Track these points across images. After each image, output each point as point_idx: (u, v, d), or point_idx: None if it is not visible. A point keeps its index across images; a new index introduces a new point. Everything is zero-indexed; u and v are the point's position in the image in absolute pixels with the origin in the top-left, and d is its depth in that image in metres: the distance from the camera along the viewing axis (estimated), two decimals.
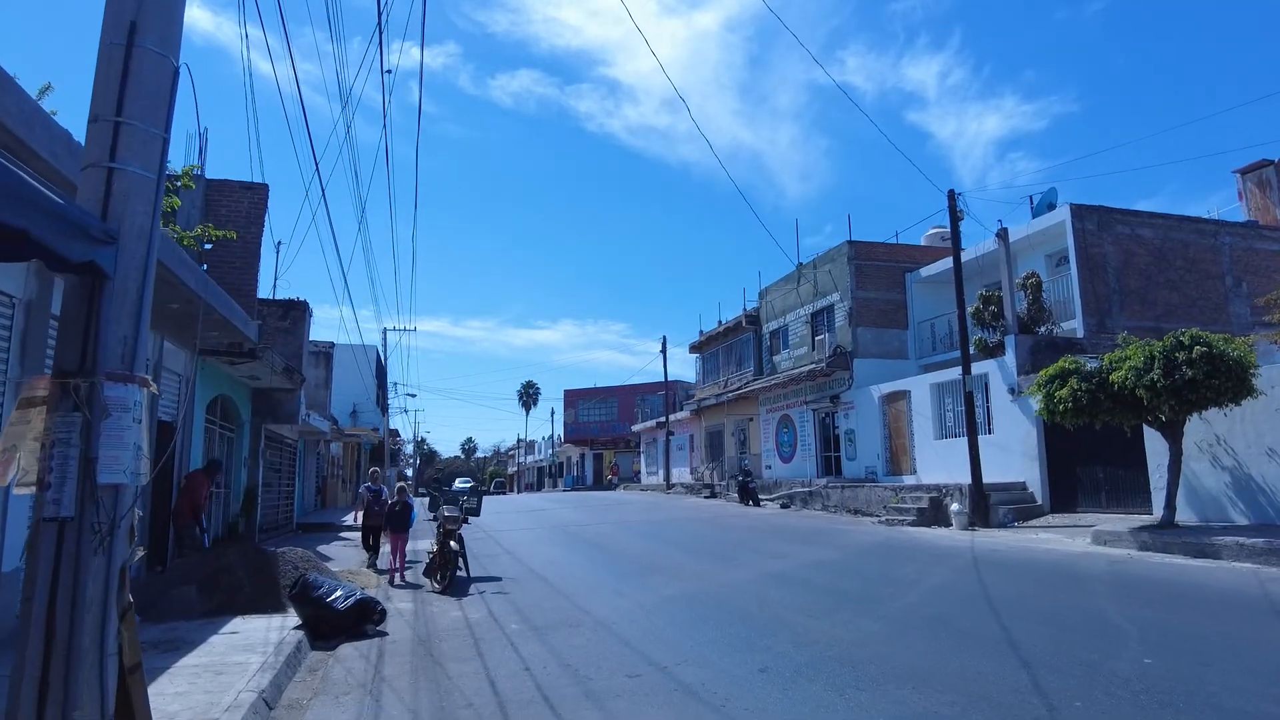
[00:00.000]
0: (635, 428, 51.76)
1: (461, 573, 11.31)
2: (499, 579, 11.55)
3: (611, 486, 60.22)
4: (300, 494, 26.27)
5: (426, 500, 11.68)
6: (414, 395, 72.60)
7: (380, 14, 7.71)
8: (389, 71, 10.28)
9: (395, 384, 55.22)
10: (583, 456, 70.02)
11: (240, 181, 13.94)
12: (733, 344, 35.31)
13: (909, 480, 22.14)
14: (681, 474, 40.48)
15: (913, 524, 18.25)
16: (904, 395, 23.16)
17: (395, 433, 63.39)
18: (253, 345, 13.20)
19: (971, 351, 22.40)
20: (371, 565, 13.42)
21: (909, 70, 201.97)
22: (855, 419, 25.32)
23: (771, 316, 31.55)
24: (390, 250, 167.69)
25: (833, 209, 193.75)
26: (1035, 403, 15.29)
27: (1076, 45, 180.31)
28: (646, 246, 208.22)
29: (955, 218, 18.92)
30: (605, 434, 65.81)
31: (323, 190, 18.69)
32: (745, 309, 34.01)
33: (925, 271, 26.18)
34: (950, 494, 18.51)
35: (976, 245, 23.93)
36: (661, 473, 44.89)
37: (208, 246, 12.69)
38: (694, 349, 39.72)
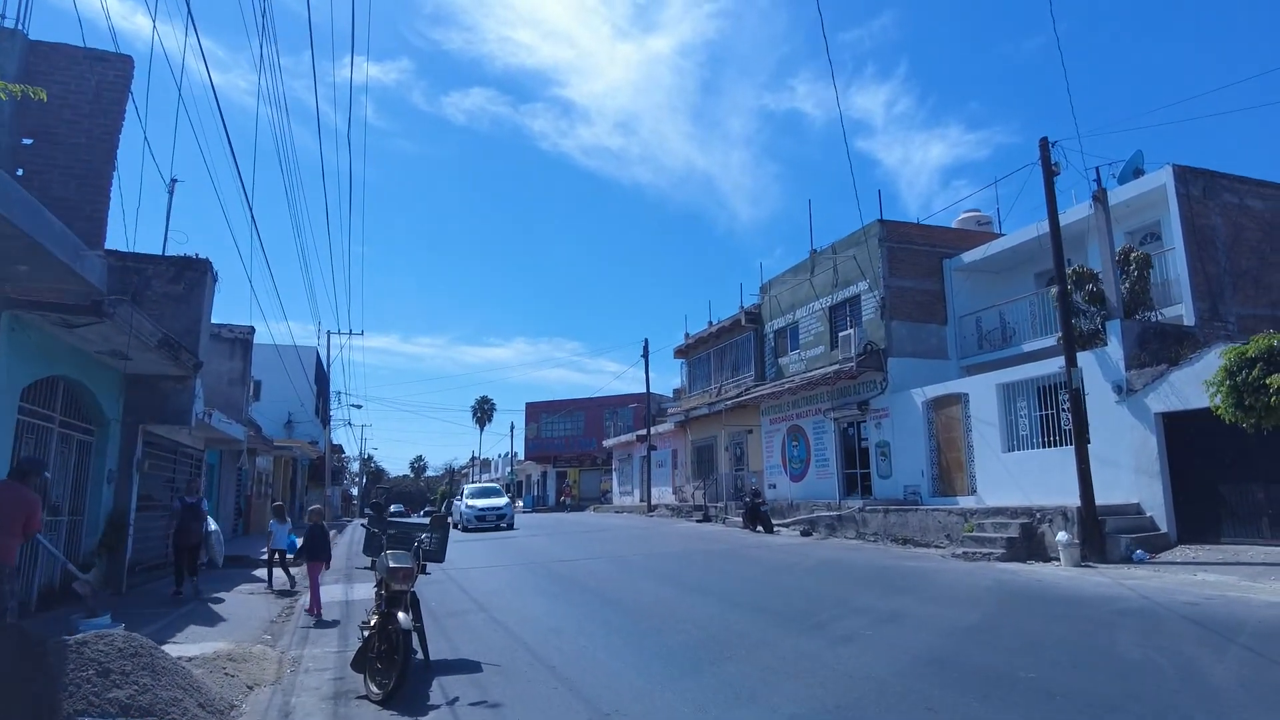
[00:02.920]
0: (607, 443, 47.25)
1: (417, 654, 6.83)
2: (476, 666, 7.07)
3: (565, 508, 55.52)
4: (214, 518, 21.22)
5: (364, 536, 6.92)
6: (359, 406, 66.97)
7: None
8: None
9: (339, 393, 50.00)
10: (544, 474, 65.20)
11: (89, 49, 9.30)
12: (727, 346, 31.16)
13: (965, 502, 18.12)
14: (662, 494, 36.10)
15: (1002, 558, 14.17)
16: (958, 400, 19.19)
17: (339, 448, 57.87)
18: (98, 297, 8.58)
19: (1050, 342, 18.58)
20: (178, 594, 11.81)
21: (857, 98, 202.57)
22: (891, 429, 21.28)
23: (777, 313, 27.49)
24: (340, 260, 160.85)
25: (783, 232, 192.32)
26: (1214, 398, 11.36)
27: (1018, 78, 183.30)
28: (600, 265, 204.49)
29: (1049, 171, 15.04)
30: (571, 450, 61.14)
31: (235, 162, 14.10)
32: (743, 306, 29.93)
33: (968, 257, 22.37)
34: (1047, 519, 14.48)
35: (1034, 224, 20.23)
36: (638, 492, 40.44)
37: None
38: (680, 353, 35.51)
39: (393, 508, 73.37)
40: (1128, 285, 15.80)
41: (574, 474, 61.77)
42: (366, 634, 6.54)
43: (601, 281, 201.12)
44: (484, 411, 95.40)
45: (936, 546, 16.59)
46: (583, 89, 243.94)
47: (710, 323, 32.60)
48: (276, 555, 13.34)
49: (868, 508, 19.42)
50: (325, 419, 45.19)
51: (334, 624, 9.85)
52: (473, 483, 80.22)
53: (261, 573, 15.93)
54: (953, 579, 12.19)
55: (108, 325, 8.94)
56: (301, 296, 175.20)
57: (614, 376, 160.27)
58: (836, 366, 22.35)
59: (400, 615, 6.18)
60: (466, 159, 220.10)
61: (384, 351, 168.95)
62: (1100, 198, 15.84)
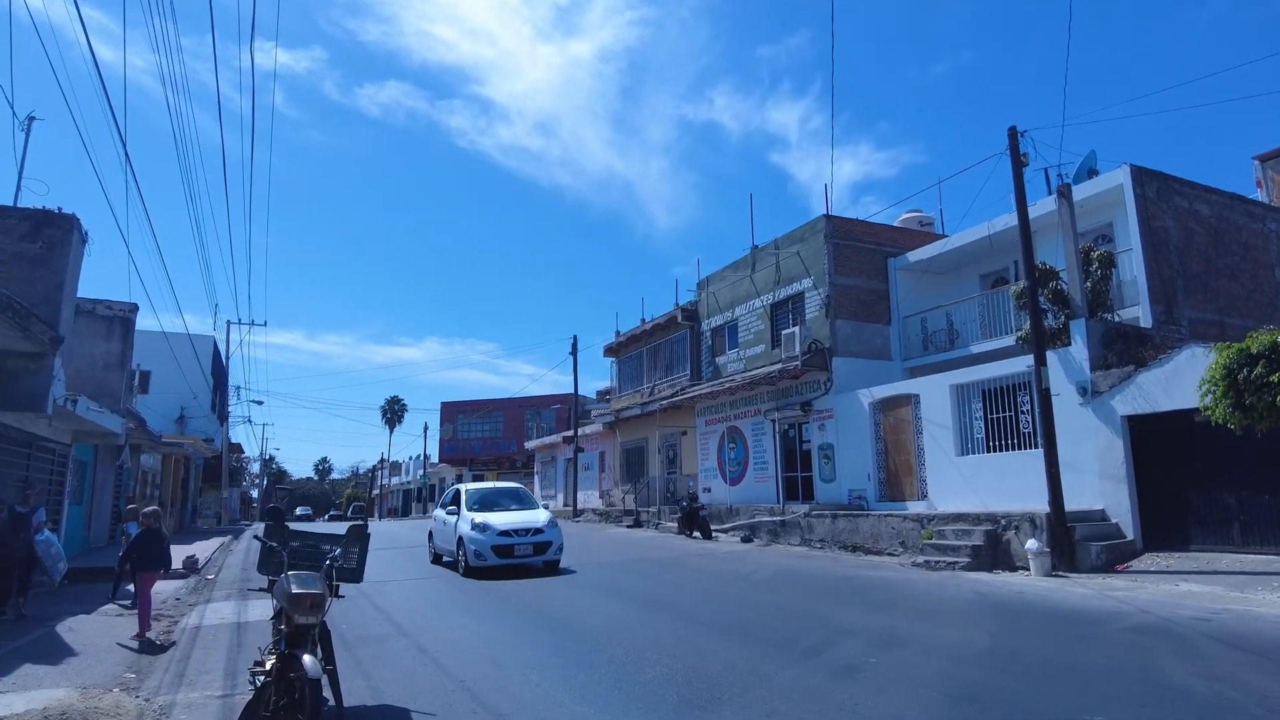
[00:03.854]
0: (529, 444, 45.41)
1: (328, 702, 5.19)
2: (405, 716, 5.50)
3: None
4: (83, 524, 18.59)
5: (259, 551, 5.13)
6: (260, 403, 62.83)
7: None
8: None
9: (239, 388, 46.57)
10: (459, 478, 62.60)
11: None
12: (661, 345, 29.94)
13: (915, 508, 17.34)
14: (588, 498, 34.58)
15: (967, 567, 13.31)
16: (909, 401, 18.42)
17: (238, 447, 54.09)
18: None
19: (999, 344, 18.00)
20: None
21: (773, 113, 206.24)
22: (835, 431, 20.40)
23: (715, 310, 26.41)
24: (241, 249, 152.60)
25: (701, 241, 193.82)
26: (1205, 397, 10.68)
27: (924, 101, 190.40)
28: (518, 267, 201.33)
29: (1018, 161, 14.33)
30: (489, 452, 58.84)
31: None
32: (678, 303, 28.76)
33: (914, 256, 21.76)
34: (1013, 526, 13.71)
35: (983, 223, 19.74)
36: (562, 496, 38.81)
37: None
38: (610, 352, 34.09)
39: (298, 510, 68.78)
40: (1090, 285, 15.25)
41: (492, 476, 59.40)
42: (261, 680, 4.88)
43: (519, 283, 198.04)
44: (394, 412, 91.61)
45: (890, 554, 15.68)
46: (502, 88, 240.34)
47: (643, 320, 31.36)
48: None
49: (814, 513, 18.43)
50: (223, 415, 41.86)
51: (168, 649, 8.02)
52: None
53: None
54: (926, 591, 11.17)
55: None
56: (197, 285, 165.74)
57: (530, 379, 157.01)
58: (779, 366, 21.37)
59: (306, 659, 4.57)
60: (380, 153, 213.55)
61: (288, 348, 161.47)
62: (1065, 193, 15.26)
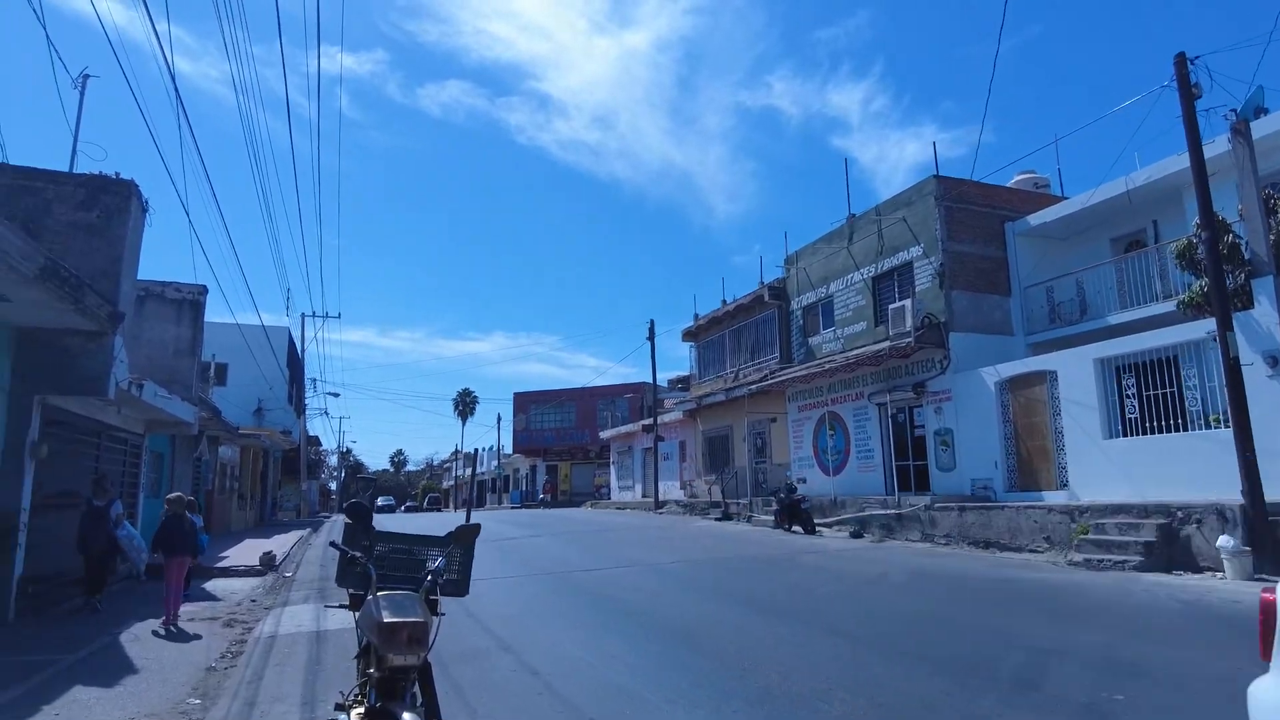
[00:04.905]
0: (604, 434, 44.19)
1: None
2: None
3: (545, 504, 52.48)
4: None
5: (338, 560, 3.65)
6: (337, 395, 62.97)
7: None
8: None
9: (314, 380, 46.72)
10: (534, 468, 62.01)
11: None
12: (744, 326, 28.22)
13: (1054, 498, 15.33)
14: (669, 489, 33.13)
15: (1139, 567, 11.36)
16: (1042, 379, 16.38)
17: (315, 440, 54.48)
18: None
19: (1142, 314, 15.85)
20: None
21: (833, 96, 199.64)
22: (953, 414, 18.43)
23: (805, 287, 24.58)
24: (313, 249, 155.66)
25: (761, 230, 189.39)
26: None
27: (989, 78, 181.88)
28: (578, 259, 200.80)
29: (1188, 93, 12.23)
30: (561, 442, 58.01)
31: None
32: (764, 281, 27.01)
33: (1035, 219, 19.56)
34: (1193, 519, 11.69)
35: (1120, 178, 17.49)
36: (640, 488, 37.52)
37: None
38: (689, 335, 32.53)
39: (379, 501, 68.76)
40: (1274, 237, 13.01)
41: (565, 468, 58.67)
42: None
43: (580, 276, 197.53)
44: (466, 404, 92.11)
45: (1033, 551, 13.78)
46: (559, 83, 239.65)
47: (724, 301, 29.69)
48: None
49: (936, 505, 16.57)
50: (300, 408, 41.86)
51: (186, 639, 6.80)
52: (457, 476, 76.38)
53: (214, 586, 12.87)
54: (1110, 597, 9.35)
55: None
56: (267, 285, 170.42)
57: (595, 372, 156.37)
58: (886, 344, 19.47)
59: (406, 718, 3.19)
60: (442, 152, 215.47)
61: (361, 345, 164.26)
62: (1242, 131, 13.02)
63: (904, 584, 11.03)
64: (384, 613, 3.43)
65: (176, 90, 9.44)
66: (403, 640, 3.39)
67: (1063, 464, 15.75)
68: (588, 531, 21.89)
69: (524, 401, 60.79)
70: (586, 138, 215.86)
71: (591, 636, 7.92)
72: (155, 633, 8.85)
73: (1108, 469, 14.65)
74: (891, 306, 19.85)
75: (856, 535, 17.96)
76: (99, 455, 12.36)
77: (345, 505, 4.19)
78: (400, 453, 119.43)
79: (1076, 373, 15.52)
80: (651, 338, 35.23)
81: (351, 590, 4.31)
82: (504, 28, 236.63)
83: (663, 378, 45.73)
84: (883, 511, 18.00)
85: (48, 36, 9.01)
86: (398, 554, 4.44)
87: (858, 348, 21.30)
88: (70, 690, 6.26)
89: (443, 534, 4.67)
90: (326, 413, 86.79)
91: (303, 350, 42.04)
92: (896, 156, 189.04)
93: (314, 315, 44.08)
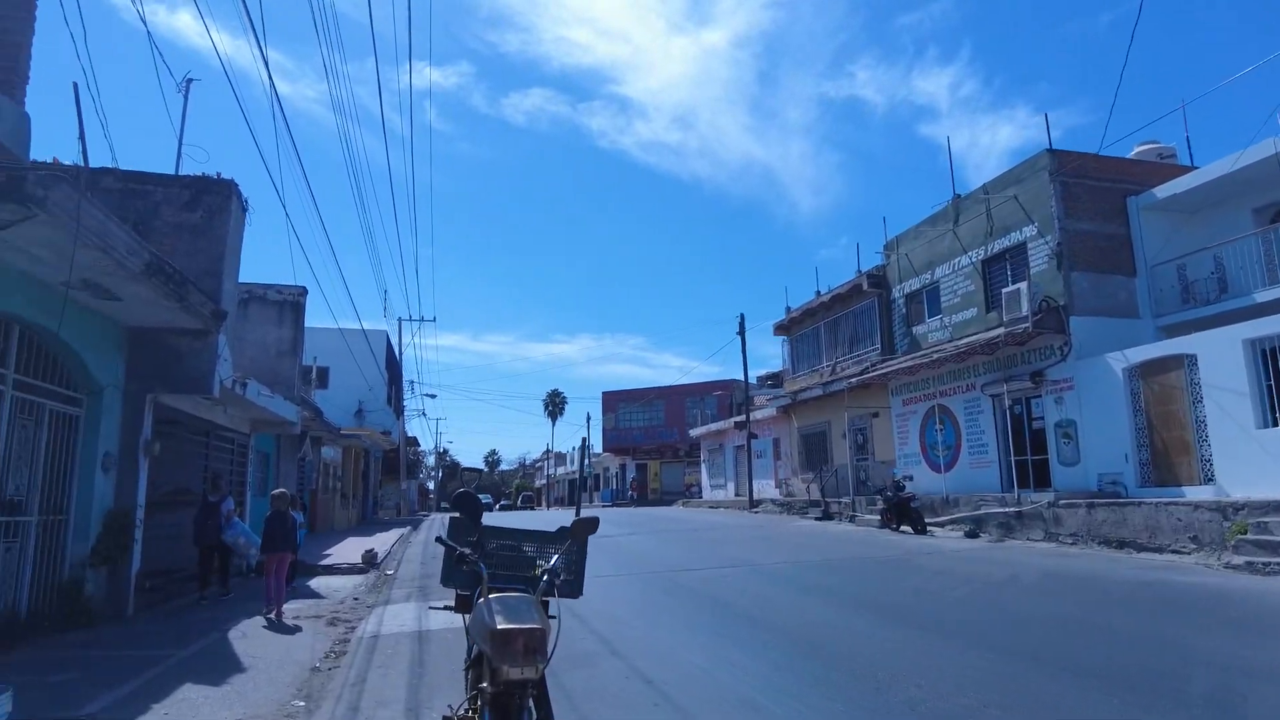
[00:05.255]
0: (694, 432, 43.64)
1: None
2: None
3: (635, 501, 52.12)
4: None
5: (444, 556, 3.21)
6: (434, 395, 64.41)
7: None
8: None
9: (412, 383, 47.81)
10: (623, 467, 61.97)
11: None
12: (841, 318, 27.18)
13: (1197, 494, 13.95)
14: (764, 488, 32.32)
15: None
16: (1179, 363, 14.97)
17: (414, 441, 55.85)
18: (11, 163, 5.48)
19: None
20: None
21: (919, 83, 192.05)
22: (1076, 404, 17.11)
23: (908, 274, 23.43)
24: (408, 257, 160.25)
25: (847, 223, 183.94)
26: None
27: (1088, 57, 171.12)
28: (661, 259, 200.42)
29: None
30: (650, 441, 57.74)
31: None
32: (861, 269, 25.93)
33: (1163, 191, 17.98)
34: None
35: (1265, 141, 15.86)
36: (732, 486, 36.81)
37: None
38: (781, 329, 31.63)
39: (482, 498, 69.93)
40: None
41: (654, 466, 58.40)
42: None
43: (663, 276, 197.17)
44: (555, 404, 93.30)
45: (1177, 551, 12.53)
46: (639, 85, 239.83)
47: (818, 292, 28.66)
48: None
49: (1061, 502, 15.37)
50: (398, 408, 42.88)
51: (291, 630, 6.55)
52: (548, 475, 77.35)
53: (318, 584, 12.97)
54: None
55: (45, 222, 5.78)
56: (364, 293, 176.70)
57: (679, 372, 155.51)
58: (1000, 330, 18.26)
59: None
60: (528, 159, 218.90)
61: (454, 349, 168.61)
62: None
63: (1040, 587, 10.10)
64: (497, 618, 3.01)
65: (277, 97, 9.43)
66: (518, 650, 2.96)
67: (1206, 456, 14.33)
68: (684, 530, 21.40)
69: (612, 400, 60.83)
70: (667, 138, 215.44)
71: (705, 641, 7.41)
72: (263, 627, 8.87)
73: (1264, 462, 13.21)
74: (1005, 290, 18.61)
75: (972, 535, 16.88)
76: (208, 454, 12.63)
77: (454, 495, 3.78)
78: (494, 452, 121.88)
79: (1222, 356, 14.08)
80: (742, 331, 34.49)
81: (458, 590, 3.93)
82: (583, 33, 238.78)
83: (751, 375, 44.81)
84: (1000, 509, 16.86)
85: (153, 44, 9.12)
86: (506, 550, 4.04)
87: (968, 336, 20.10)
88: (180, 688, 6.16)
89: (552, 530, 4.26)
90: (424, 414, 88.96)
91: (400, 353, 43.06)
92: (989, 141, 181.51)
93: (410, 319, 45.13)
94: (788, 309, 31.09)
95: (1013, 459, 18.63)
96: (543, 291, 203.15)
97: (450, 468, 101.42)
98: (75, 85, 11.04)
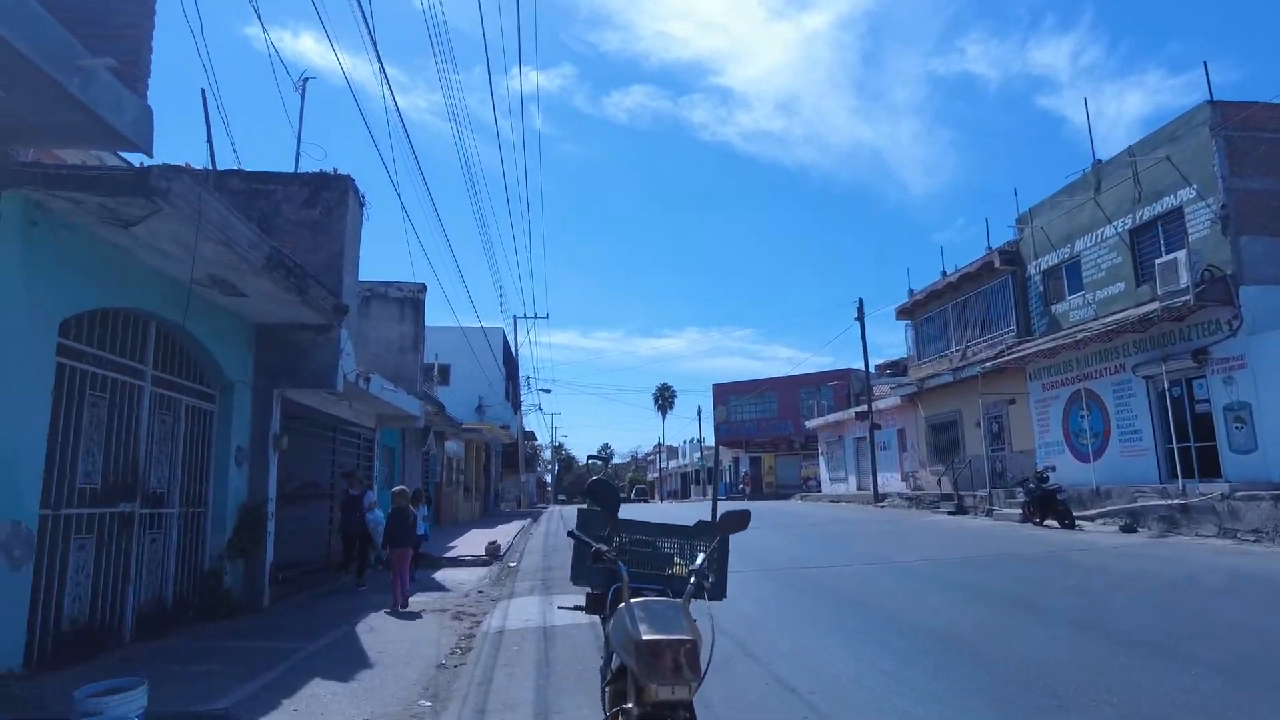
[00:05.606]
0: (811, 423, 42.42)
1: None
2: None
3: (745, 495, 51.07)
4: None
5: (575, 548, 2.81)
6: (549, 391, 65.29)
7: None
8: None
9: (528, 378, 48.65)
10: (736, 460, 61.13)
11: None
12: (970, 298, 25.60)
13: None
14: (889, 481, 30.96)
15: None
16: None
17: (531, 435, 56.95)
18: (139, 145, 5.48)
19: None
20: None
21: (1035, 54, 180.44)
22: (1250, 384, 15.31)
23: (1044, 249, 21.75)
24: (521, 257, 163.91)
25: (963, 203, 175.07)
26: None
27: (1230, 8, 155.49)
28: (768, 250, 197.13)
29: None
30: (763, 433, 56.68)
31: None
32: (991, 246, 24.31)
33: None
34: None
35: None
36: (854, 479, 35.52)
37: None
38: (903, 313, 30.17)
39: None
40: None
41: (769, 459, 57.33)
42: None
43: (770, 267, 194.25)
44: (665, 398, 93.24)
45: None
46: (739, 75, 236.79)
47: (944, 272, 27.12)
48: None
49: (1237, 494, 13.76)
50: (515, 404, 43.71)
51: (467, 652, 6.28)
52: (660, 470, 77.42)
53: (442, 576, 13.06)
54: None
55: (170, 216, 5.78)
56: (478, 283, 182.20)
57: (790, 363, 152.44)
58: (1154, 305, 16.58)
59: None
60: (630, 156, 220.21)
61: (565, 347, 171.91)
62: None
63: (1231, 590, 8.92)
64: (641, 627, 2.58)
65: (396, 106, 9.42)
66: (668, 665, 2.52)
67: None
68: (807, 525, 20.62)
69: (723, 393, 60.10)
70: (770, 126, 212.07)
71: (846, 644, 6.81)
72: (389, 619, 8.90)
73: None
74: (1159, 261, 16.89)
75: (1128, 529, 15.39)
76: (335, 449, 12.91)
77: (589, 484, 3.36)
78: (606, 445, 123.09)
79: None
80: (861, 315, 33.21)
81: (591, 589, 3.53)
82: (682, 27, 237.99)
83: (855, 363, 43.19)
84: (1161, 502, 15.30)
85: (269, 41, 9.25)
86: (640, 546, 3.62)
87: (1115, 312, 18.41)
88: (309, 684, 6.08)
89: (691, 523, 3.81)
90: (540, 408, 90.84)
91: (516, 350, 43.85)
92: (1115, 111, 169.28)
93: (525, 316, 45.93)
94: (910, 291, 29.62)
95: (1173, 446, 16.86)
96: (648, 286, 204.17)
97: (566, 461, 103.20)
98: (203, 92, 11.41)
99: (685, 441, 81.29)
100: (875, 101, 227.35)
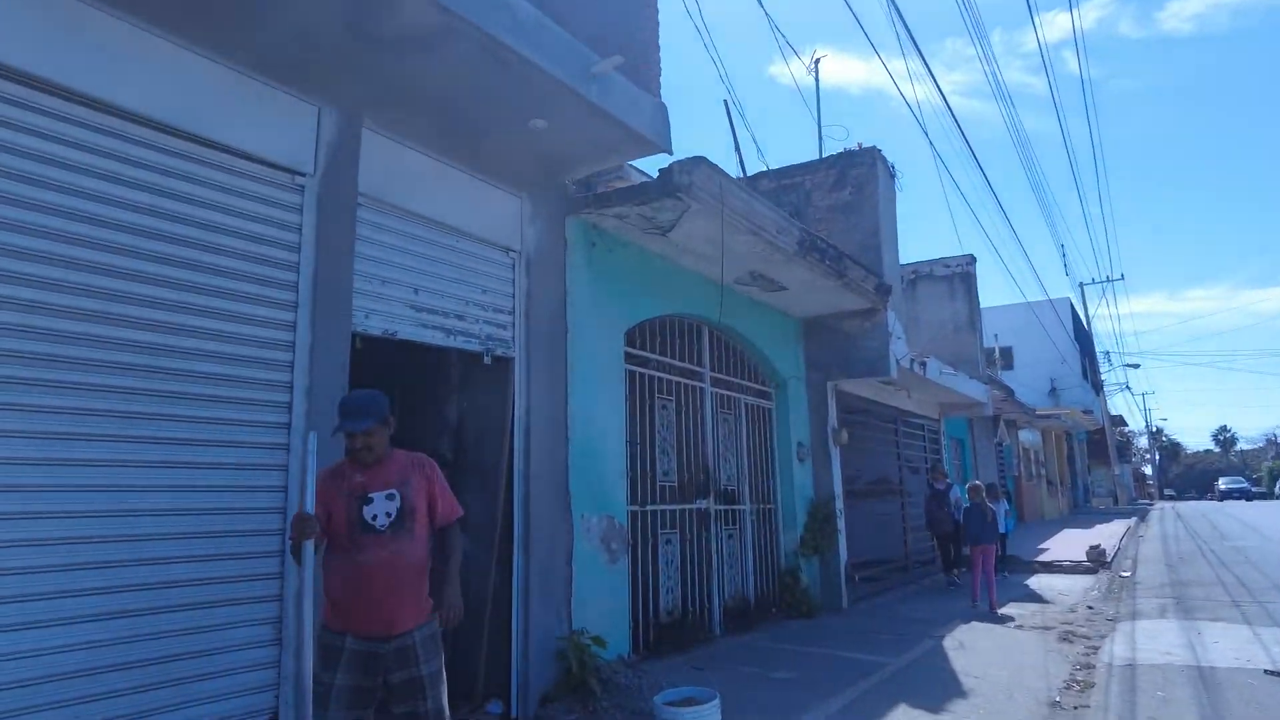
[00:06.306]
0: None
1: None
2: None
3: None
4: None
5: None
6: (1136, 366, 54.45)
7: None
8: None
9: (1107, 353, 41.96)
10: None
11: None
12: None
13: None
14: None
15: None
16: None
17: (1118, 420, 49.13)
18: (661, 146, 5.47)
19: None
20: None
21: None
22: None
23: None
24: (1086, 219, 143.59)
25: None
26: None
27: None
28: None
29: None
30: None
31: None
32: None
33: None
34: None
35: None
36: None
37: None
38: None
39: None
40: None
41: None
42: None
43: None
44: None
45: None
46: None
47: None
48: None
49: None
50: (1096, 383, 37.93)
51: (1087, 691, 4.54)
52: None
53: (1036, 583, 11.32)
54: None
55: (699, 213, 5.67)
56: (1036, 252, 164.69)
57: None
58: None
59: None
60: (1201, 73, 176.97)
61: (1147, 315, 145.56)
62: None
63: None
64: None
65: (944, 99, 8.42)
66: None
67: None
68: None
69: None
70: None
71: None
72: (980, 629, 7.76)
73: None
74: None
75: None
76: (898, 442, 12.20)
77: None
78: (1225, 429, 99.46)
79: None
80: None
81: None
82: None
83: None
84: None
85: (773, 25, 9.07)
86: None
87: None
88: (892, 711, 5.30)
89: None
90: (1128, 387, 76.98)
91: (1089, 321, 38.12)
92: None
93: (1094, 282, 39.72)
94: None
95: None
96: (1253, 225, 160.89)
97: (1169, 448, 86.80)
98: (726, 103, 11.86)
99: None
100: None
